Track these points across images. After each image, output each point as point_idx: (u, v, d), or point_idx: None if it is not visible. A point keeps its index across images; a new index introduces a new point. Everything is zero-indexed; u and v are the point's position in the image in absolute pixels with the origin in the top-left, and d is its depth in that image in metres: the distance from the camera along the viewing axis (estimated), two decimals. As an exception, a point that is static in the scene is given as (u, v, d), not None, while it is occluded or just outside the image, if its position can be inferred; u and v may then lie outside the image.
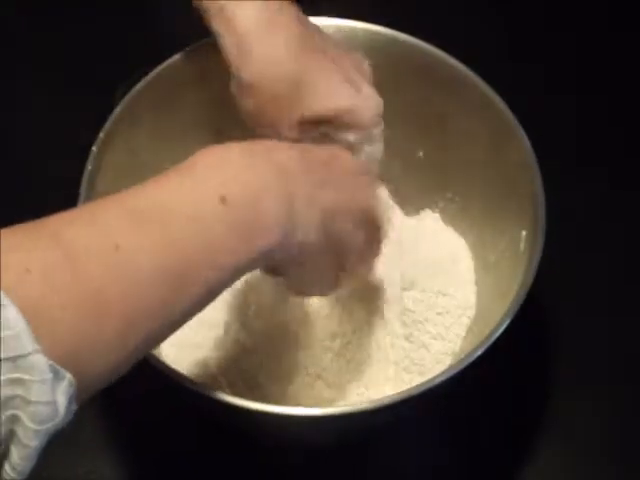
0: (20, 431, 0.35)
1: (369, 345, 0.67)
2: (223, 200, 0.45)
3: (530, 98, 0.77)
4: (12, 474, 0.36)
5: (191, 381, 0.56)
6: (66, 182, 0.64)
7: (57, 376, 0.36)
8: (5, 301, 0.35)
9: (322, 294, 0.61)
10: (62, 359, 0.36)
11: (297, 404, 0.65)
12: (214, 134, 0.72)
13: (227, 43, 0.60)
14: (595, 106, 0.88)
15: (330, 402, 0.65)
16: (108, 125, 0.66)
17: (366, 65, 0.65)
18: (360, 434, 0.67)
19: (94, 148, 0.65)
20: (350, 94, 0.61)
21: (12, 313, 0.35)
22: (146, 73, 0.69)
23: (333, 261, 0.55)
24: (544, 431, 0.70)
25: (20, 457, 0.35)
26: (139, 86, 0.68)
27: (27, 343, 0.35)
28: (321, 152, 0.55)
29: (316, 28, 0.64)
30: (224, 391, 0.56)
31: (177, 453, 0.68)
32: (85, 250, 0.40)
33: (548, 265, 0.61)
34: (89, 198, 0.62)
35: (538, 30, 0.94)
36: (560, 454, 0.70)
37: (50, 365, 0.36)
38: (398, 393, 0.57)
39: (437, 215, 0.75)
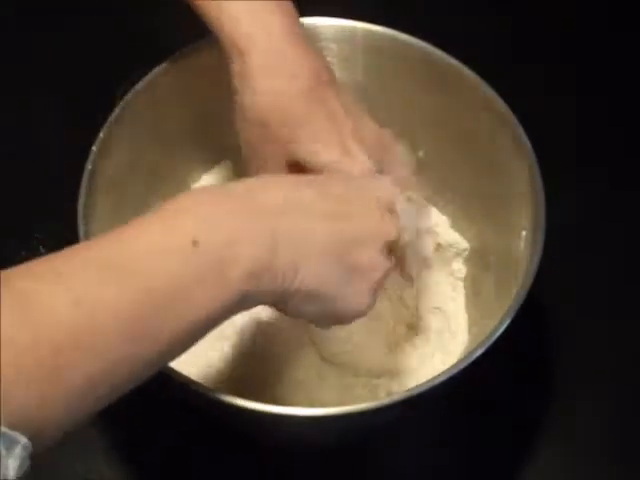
0: None
1: (369, 345, 0.67)
2: (195, 243, 0.43)
3: (530, 98, 0.77)
4: None
5: (192, 381, 0.55)
6: (66, 182, 0.64)
7: (11, 442, 0.36)
8: None
9: (360, 316, 0.55)
10: (17, 424, 0.36)
11: (297, 404, 0.65)
12: (214, 133, 0.73)
13: (233, 67, 0.60)
14: (595, 106, 0.88)
15: (331, 402, 0.65)
16: (108, 125, 0.66)
17: (369, 130, 0.61)
18: (360, 434, 0.67)
19: (94, 148, 0.65)
20: (338, 153, 0.59)
21: None
22: (146, 73, 0.69)
23: (362, 285, 0.53)
24: (544, 431, 0.70)
25: None
26: (139, 86, 0.68)
27: None
28: (338, 185, 0.53)
29: (333, 78, 0.61)
30: (225, 391, 0.56)
31: (177, 453, 0.68)
32: (44, 307, 0.38)
33: (548, 265, 0.61)
34: (89, 198, 0.62)
35: (538, 30, 0.94)
36: (560, 454, 0.70)
37: (3, 433, 0.35)
38: (398, 393, 0.57)
39: (445, 218, 0.75)
